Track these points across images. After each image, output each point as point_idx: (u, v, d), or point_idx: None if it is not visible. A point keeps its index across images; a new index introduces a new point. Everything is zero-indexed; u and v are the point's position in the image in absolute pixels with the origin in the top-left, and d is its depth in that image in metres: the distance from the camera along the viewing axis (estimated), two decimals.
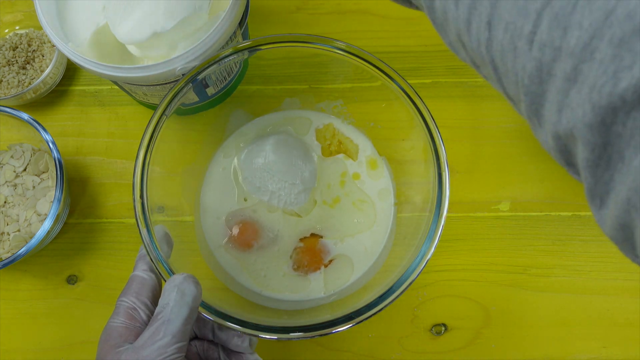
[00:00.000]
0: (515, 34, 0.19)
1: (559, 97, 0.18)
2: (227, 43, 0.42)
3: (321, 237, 0.47)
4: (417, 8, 0.30)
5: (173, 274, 0.35)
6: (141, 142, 0.38)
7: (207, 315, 0.34)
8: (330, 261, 0.46)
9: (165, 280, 0.34)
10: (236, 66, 0.47)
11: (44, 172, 0.48)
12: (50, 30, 0.40)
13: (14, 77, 0.51)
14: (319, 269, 0.46)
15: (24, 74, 0.52)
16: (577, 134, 0.18)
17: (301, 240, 0.47)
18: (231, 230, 0.47)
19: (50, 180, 0.48)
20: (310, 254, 0.46)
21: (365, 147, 0.50)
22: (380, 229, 0.47)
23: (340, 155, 0.50)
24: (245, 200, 0.48)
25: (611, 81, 0.16)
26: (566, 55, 0.18)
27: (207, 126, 0.49)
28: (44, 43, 0.53)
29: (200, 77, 0.40)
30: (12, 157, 0.49)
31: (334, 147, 0.50)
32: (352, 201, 0.48)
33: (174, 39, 0.41)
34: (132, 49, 0.43)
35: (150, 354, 0.29)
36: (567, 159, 0.20)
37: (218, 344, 0.36)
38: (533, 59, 0.19)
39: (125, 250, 0.49)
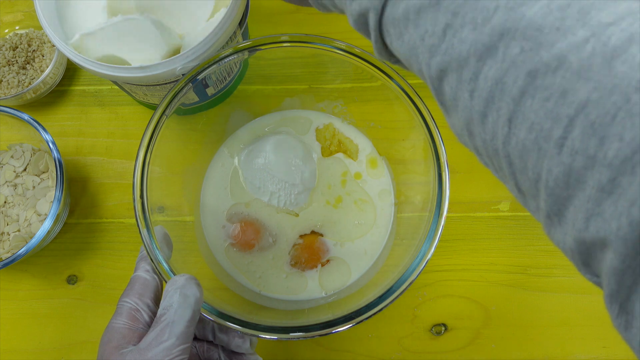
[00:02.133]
0: (541, 136, 0.19)
1: (589, 205, 0.18)
2: (227, 43, 0.42)
3: (321, 235, 0.47)
4: (404, 66, 0.29)
5: (174, 274, 0.35)
6: (141, 142, 0.38)
7: (207, 315, 0.34)
8: (328, 261, 0.46)
9: (166, 281, 0.34)
10: (236, 66, 0.47)
11: (44, 172, 0.48)
12: (50, 30, 0.40)
13: (14, 77, 0.51)
14: (316, 266, 0.46)
15: (24, 74, 0.52)
16: (606, 243, 0.18)
17: (301, 236, 0.47)
18: (232, 232, 0.47)
19: (50, 180, 0.48)
20: (309, 251, 0.46)
21: (365, 146, 0.50)
22: (380, 230, 0.47)
23: (340, 155, 0.50)
24: (245, 201, 0.48)
25: None
26: (602, 166, 0.17)
27: (207, 126, 0.49)
28: (44, 43, 0.53)
29: (200, 77, 0.40)
30: (12, 157, 0.49)
31: (334, 147, 0.50)
32: (353, 200, 0.48)
33: None
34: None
35: (155, 355, 0.29)
36: (586, 261, 0.20)
37: (218, 345, 0.36)
38: (561, 163, 0.18)
39: (125, 250, 0.49)
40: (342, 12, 0.29)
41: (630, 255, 0.17)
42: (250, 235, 0.47)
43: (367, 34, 0.27)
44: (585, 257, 0.20)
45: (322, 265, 0.46)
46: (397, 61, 0.28)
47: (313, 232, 0.47)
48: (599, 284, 0.20)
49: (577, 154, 0.18)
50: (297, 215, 0.47)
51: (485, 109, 0.21)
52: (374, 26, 0.25)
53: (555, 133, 0.18)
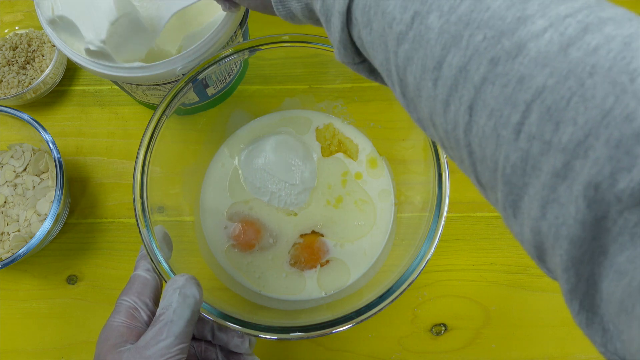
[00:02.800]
0: (500, 122, 0.19)
1: (545, 192, 0.18)
2: (227, 43, 0.42)
3: (322, 235, 0.47)
4: (376, 79, 0.29)
5: (174, 274, 0.35)
6: (141, 142, 0.38)
7: (207, 315, 0.34)
8: (327, 261, 0.46)
9: (166, 281, 0.34)
10: (236, 66, 0.47)
11: (44, 172, 0.48)
12: (51, 30, 0.40)
13: (14, 77, 0.51)
14: (315, 267, 0.46)
15: (24, 74, 0.52)
16: (563, 232, 0.18)
17: (301, 236, 0.47)
18: (233, 231, 0.47)
19: (50, 180, 0.48)
20: (309, 251, 0.46)
21: (365, 146, 0.50)
22: (380, 230, 0.47)
23: (340, 155, 0.50)
24: (245, 200, 0.48)
25: (607, 181, 0.16)
26: (557, 150, 0.17)
27: (207, 126, 0.49)
28: (44, 43, 0.53)
29: (200, 77, 0.40)
30: (12, 157, 0.49)
31: (334, 147, 0.50)
32: (354, 200, 0.48)
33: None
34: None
35: (153, 354, 0.29)
36: (541, 255, 0.20)
37: (216, 345, 0.36)
38: (519, 149, 0.18)
39: (125, 250, 0.49)
40: (305, 10, 0.28)
41: (587, 239, 0.17)
42: (251, 235, 0.47)
43: (329, 23, 0.26)
44: (541, 250, 0.20)
45: (322, 265, 0.46)
46: (360, 62, 0.28)
47: (314, 232, 0.47)
48: (556, 279, 0.20)
49: (533, 139, 0.18)
50: (295, 214, 0.47)
51: (448, 98, 0.21)
52: (342, 10, 0.25)
53: (513, 119, 0.18)
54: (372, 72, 0.28)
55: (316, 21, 0.29)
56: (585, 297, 0.18)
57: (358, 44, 0.26)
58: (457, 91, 0.20)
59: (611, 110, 0.16)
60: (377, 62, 0.25)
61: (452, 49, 0.20)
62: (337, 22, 0.25)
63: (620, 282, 0.17)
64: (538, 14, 0.18)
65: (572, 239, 0.17)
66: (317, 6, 0.26)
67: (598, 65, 0.17)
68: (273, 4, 0.29)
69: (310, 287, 0.46)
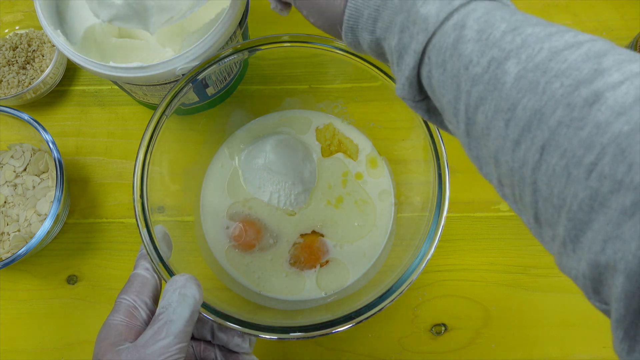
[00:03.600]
0: (572, 162, 0.20)
1: (609, 228, 0.19)
2: (227, 43, 0.42)
3: (322, 235, 0.47)
4: (430, 118, 0.29)
5: (173, 274, 0.35)
6: (141, 142, 0.38)
7: (207, 315, 0.34)
8: (327, 262, 0.46)
9: (165, 281, 0.34)
10: (236, 66, 0.47)
11: (44, 172, 0.48)
12: (50, 31, 0.40)
13: (14, 77, 0.51)
14: (315, 267, 0.46)
15: (24, 74, 0.52)
16: (620, 266, 0.18)
17: (301, 236, 0.47)
18: (233, 232, 0.47)
19: (50, 180, 0.48)
20: (309, 251, 0.46)
21: (365, 146, 0.50)
22: (380, 230, 0.47)
23: (340, 155, 0.50)
24: (245, 199, 0.48)
25: None
26: (627, 189, 0.18)
27: (207, 126, 0.49)
28: (44, 43, 0.53)
29: (200, 77, 0.40)
30: (12, 157, 0.49)
31: (334, 147, 0.50)
32: (354, 200, 0.48)
33: None
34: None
35: (152, 353, 0.29)
36: (597, 287, 0.21)
37: (215, 345, 0.36)
38: (588, 187, 0.19)
39: (125, 250, 0.49)
40: (374, 44, 0.29)
41: None
42: (251, 236, 0.47)
43: (401, 59, 0.27)
44: (597, 283, 0.21)
45: (321, 265, 0.46)
46: (420, 100, 0.28)
47: (314, 232, 0.47)
48: (607, 312, 0.21)
49: (605, 179, 0.19)
50: (294, 214, 0.47)
51: (519, 137, 0.22)
52: (419, 49, 0.26)
53: (586, 159, 0.19)
54: (428, 111, 0.29)
55: (379, 55, 0.30)
56: (631, 327, 0.19)
57: (425, 82, 0.27)
58: (530, 132, 0.21)
59: None
60: (444, 100, 0.26)
61: (527, 94, 0.21)
62: (410, 60, 0.26)
63: None
64: (614, 68, 0.20)
65: (629, 273, 0.18)
66: (392, 43, 0.27)
67: None
68: (343, 31, 0.30)
69: (310, 287, 0.46)
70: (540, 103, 0.21)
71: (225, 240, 0.47)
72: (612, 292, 0.19)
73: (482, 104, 0.23)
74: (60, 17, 0.44)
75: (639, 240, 0.18)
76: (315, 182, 0.48)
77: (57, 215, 0.44)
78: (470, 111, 0.24)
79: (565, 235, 0.21)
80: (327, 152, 0.50)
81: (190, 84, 0.40)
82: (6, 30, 0.55)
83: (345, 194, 0.48)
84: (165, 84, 0.42)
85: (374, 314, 0.35)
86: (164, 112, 0.39)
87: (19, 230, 0.46)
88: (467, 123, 0.25)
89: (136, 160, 0.37)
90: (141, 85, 0.43)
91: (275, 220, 0.47)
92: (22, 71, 0.52)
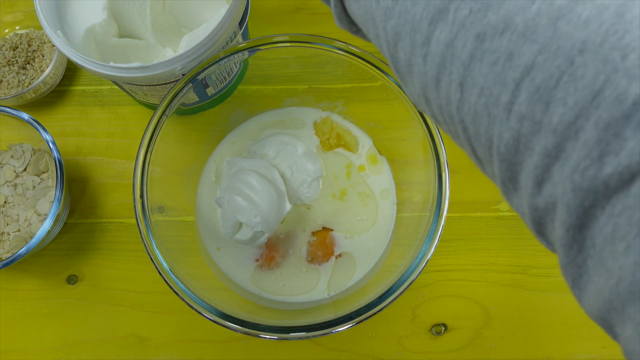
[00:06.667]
0: (490, 101, 0.18)
1: (538, 172, 0.18)
2: (227, 43, 0.42)
3: (332, 230, 0.47)
4: (363, 36, 0.28)
5: (174, 274, 0.35)
6: (141, 142, 0.38)
7: (207, 315, 0.34)
8: (340, 255, 0.46)
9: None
10: (236, 66, 0.47)
11: (44, 172, 0.48)
12: (50, 31, 0.40)
13: (14, 77, 0.51)
14: (329, 259, 0.46)
15: (24, 74, 0.52)
16: (558, 211, 0.17)
17: (314, 234, 0.47)
18: (260, 257, 0.47)
19: (50, 180, 0.48)
20: (323, 247, 0.47)
21: (364, 140, 0.50)
22: (381, 229, 0.47)
23: (340, 149, 0.50)
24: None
25: (595, 164, 0.16)
26: (547, 131, 0.17)
27: (207, 126, 0.49)
28: (44, 43, 0.53)
29: (200, 77, 0.40)
30: (12, 157, 0.49)
31: (333, 140, 0.50)
32: (357, 192, 0.48)
33: None
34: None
35: None
36: (540, 229, 0.20)
37: None
38: (510, 128, 0.18)
39: (125, 250, 0.49)
40: None
41: (574, 225, 0.17)
42: (272, 253, 0.47)
43: None
44: (539, 225, 0.19)
45: (337, 258, 0.46)
46: (357, 30, 0.27)
47: (324, 228, 0.47)
48: (554, 252, 0.20)
49: (524, 119, 0.17)
50: (309, 208, 0.47)
51: (438, 74, 0.20)
52: None
53: (503, 98, 0.18)
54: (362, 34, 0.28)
55: None
56: (578, 278, 0.18)
57: (352, 17, 0.26)
58: (446, 68, 0.20)
59: (601, 91, 0.15)
60: (370, 36, 0.25)
61: (439, 24, 0.20)
62: None
63: (608, 282, 0.16)
64: None
65: (564, 221, 0.17)
66: None
67: (588, 41, 0.16)
68: None
69: (321, 286, 0.46)
70: (451, 35, 0.19)
71: (251, 265, 0.47)
72: (556, 236, 0.18)
73: (399, 39, 0.22)
74: (60, 17, 0.44)
75: (564, 185, 0.17)
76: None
77: (57, 215, 0.44)
78: (391, 48, 0.23)
79: (502, 175, 0.20)
80: (326, 145, 0.50)
81: (190, 84, 0.40)
82: (6, 30, 0.55)
83: (349, 187, 0.48)
84: (166, 84, 0.42)
85: (374, 314, 0.35)
86: (164, 112, 0.39)
87: (19, 230, 0.46)
88: (392, 60, 0.23)
89: (136, 160, 0.37)
90: (141, 85, 0.43)
91: (286, 226, 0.47)
92: (22, 71, 0.52)
